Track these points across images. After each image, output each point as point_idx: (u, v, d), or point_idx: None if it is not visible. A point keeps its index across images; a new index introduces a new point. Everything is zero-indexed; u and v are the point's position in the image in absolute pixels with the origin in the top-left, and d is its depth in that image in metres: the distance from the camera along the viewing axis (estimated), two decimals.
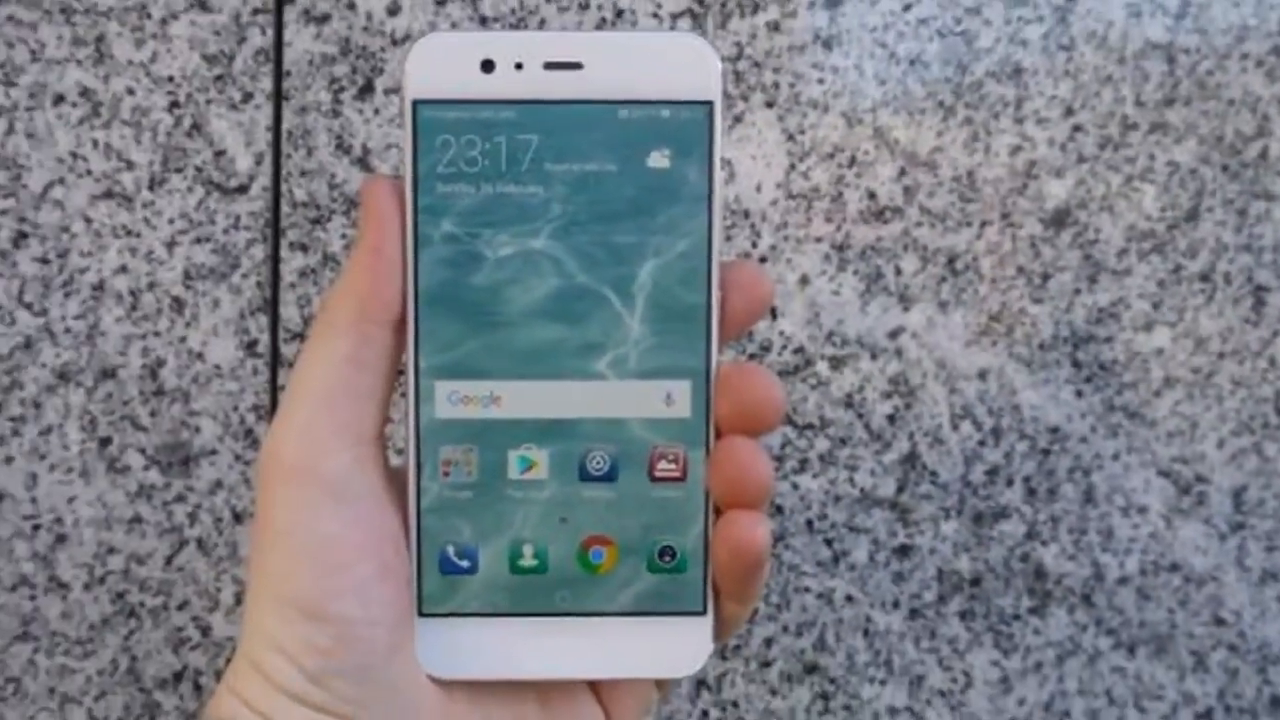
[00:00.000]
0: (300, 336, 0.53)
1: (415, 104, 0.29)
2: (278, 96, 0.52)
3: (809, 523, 0.54)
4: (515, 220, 0.29)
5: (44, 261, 0.51)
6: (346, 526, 0.28)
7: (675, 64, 0.29)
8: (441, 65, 0.29)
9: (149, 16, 0.51)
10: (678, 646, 0.30)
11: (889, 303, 0.53)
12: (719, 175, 0.29)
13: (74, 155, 0.51)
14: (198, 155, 0.52)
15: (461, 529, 0.30)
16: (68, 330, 0.52)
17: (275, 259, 0.52)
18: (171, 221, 0.52)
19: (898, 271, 0.53)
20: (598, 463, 0.30)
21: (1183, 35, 0.53)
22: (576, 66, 0.29)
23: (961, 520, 0.54)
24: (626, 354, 0.30)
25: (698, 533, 0.30)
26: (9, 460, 0.52)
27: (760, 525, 0.29)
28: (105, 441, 0.52)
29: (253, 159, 0.52)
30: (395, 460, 0.31)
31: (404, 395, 0.30)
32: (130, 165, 0.51)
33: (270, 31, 0.51)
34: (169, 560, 0.53)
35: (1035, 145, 0.53)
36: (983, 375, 0.53)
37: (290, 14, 0.51)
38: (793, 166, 0.53)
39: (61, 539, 0.52)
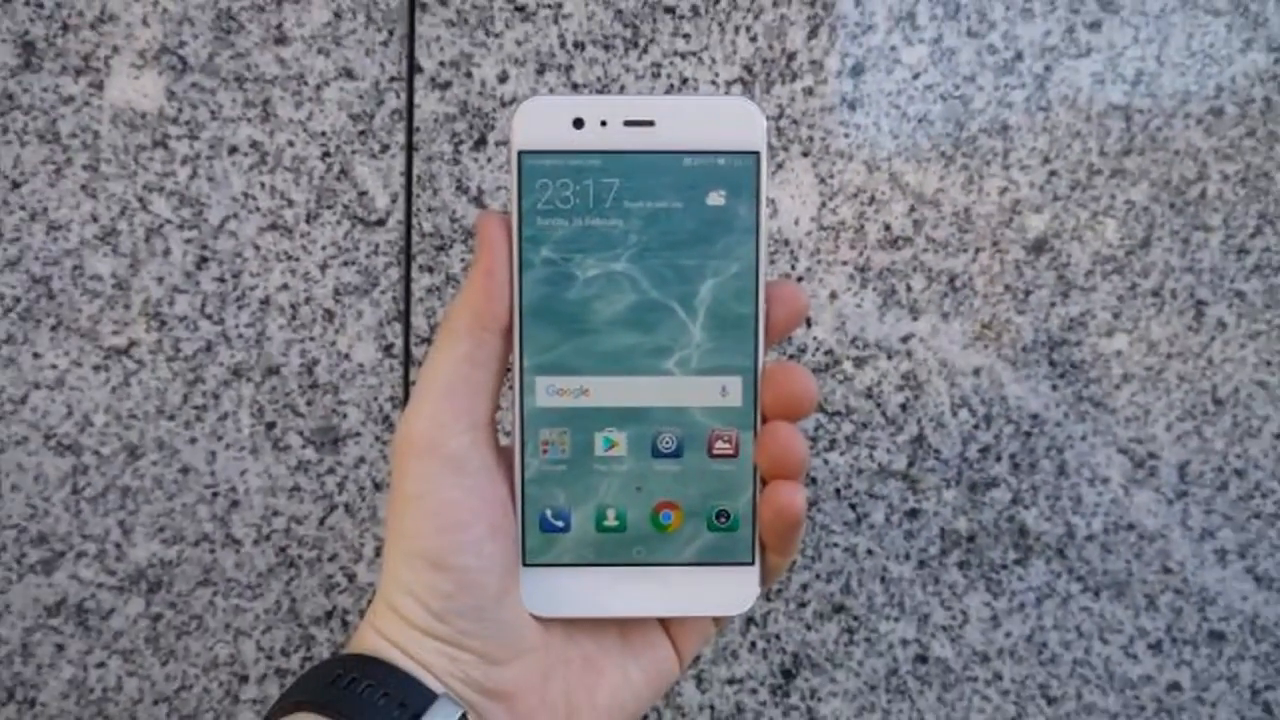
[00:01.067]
0: (427, 341, 0.55)
1: (520, 154, 0.31)
2: (409, 148, 0.54)
3: (837, 491, 0.56)
4: (600, 247, 0.31)
5: (221, 280, 0.54)
6: (465, 494, 0.30)
7: (729, 122, 0.31)
8: (541, 123, 0.31)
9: (305, 83, 0.54)
10: (731, 590, 0.32)
11: (901, 314, 0.55)
12: (765, 211, 0.31)
13: (245, 195, 0.54)
14: (345, 195, 0.54)
15: (557, 496, 0.32)
16: (240, 336, 0.55)
17: (407, 279, 0.55)
18: (324, 248, 0.54)
19: (908, 288, 0.55)
20: (666, 442, 0.32)
21: (1138, 99, 0.54)
22: (650, 124, 0.31)
23: (959, 489, 0.56)
24: (690, 355, 0.31)
25: (747, 499, 0.32)
26: (193, 441, 0.55)
27: (799, 493, 0.31)
28: (271, 425, 0.55)
29: (389, 198, 0.54)
30: (503, 441, 0.33)
31: (511, 388, 0.32)
32: (291, 203, 0.54)
33: (403, 95, 0.54)
34: (322, 521, 0.56)
35: (1019, 187, 0.55)
36: (977, 372, 0.55)
37: (420, 81, 0.54)
38: (824, 204, 0.55)
39: (235, 504, 0.55)
